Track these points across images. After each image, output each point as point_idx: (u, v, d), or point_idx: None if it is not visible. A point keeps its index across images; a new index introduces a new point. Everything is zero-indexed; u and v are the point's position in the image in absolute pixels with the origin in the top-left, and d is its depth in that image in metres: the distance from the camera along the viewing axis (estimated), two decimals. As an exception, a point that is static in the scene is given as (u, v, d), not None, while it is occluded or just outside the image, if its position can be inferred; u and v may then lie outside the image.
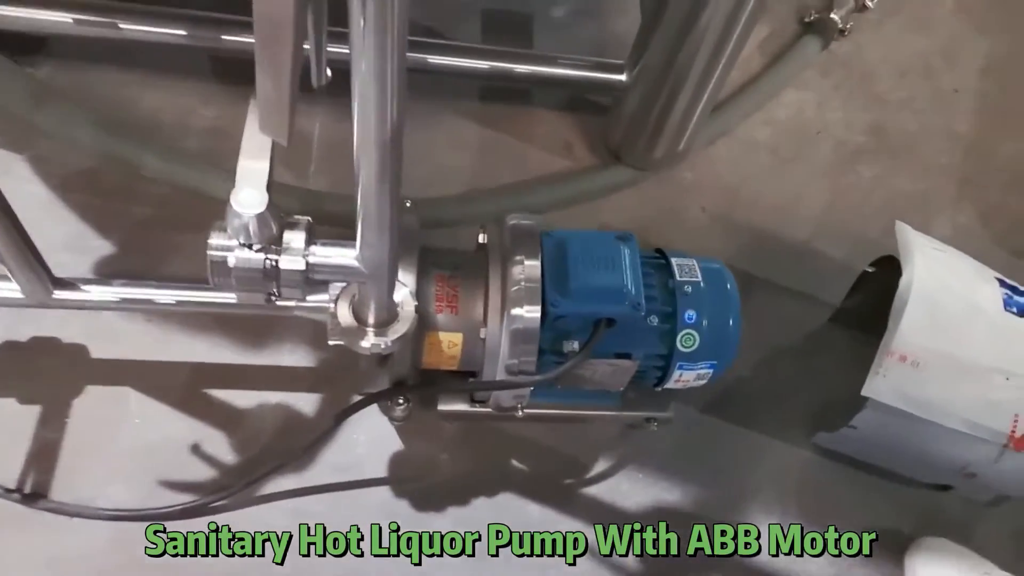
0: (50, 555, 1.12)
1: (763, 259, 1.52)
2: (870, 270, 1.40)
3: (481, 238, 1.13)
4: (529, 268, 1.06)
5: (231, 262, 0.82)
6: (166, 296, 1.10)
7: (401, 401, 1.09)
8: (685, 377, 1.15)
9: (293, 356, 1.29)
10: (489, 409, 1.21)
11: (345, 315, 0.96)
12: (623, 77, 1.42)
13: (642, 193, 1.54)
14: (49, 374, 1.22)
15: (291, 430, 1.23)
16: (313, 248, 0.85)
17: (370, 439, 1.25)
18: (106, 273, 1.29)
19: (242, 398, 1.25)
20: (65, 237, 1.31)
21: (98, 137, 1.18)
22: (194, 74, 1.48)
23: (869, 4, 1.83)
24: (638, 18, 1.46)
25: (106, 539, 1.14)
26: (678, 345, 1.11)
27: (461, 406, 1.21)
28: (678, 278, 1.13)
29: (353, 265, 0.86)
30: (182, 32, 1.34)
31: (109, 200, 1.36)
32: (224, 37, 1.36)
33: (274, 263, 0.83)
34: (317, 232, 0.87)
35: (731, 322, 1.13)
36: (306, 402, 1.25)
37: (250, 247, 0.81)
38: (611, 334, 1.08)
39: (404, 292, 0.99)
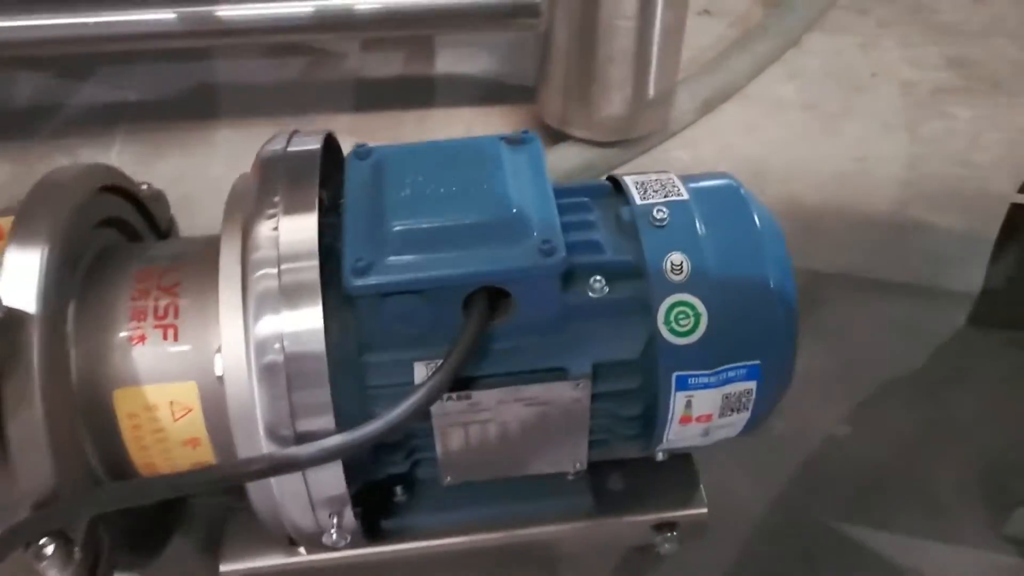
0: None
1: (834, 249, 0.92)
2: None
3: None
4: (293, 225, 0.49)
5: None
6: None
7: (49, 541, 0.47)
8: (700, 407, 0.53)
9: None
10: (336, 554, 0.59)
11: None
12: (536, -5, 0.90)
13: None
14: None
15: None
16: None
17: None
18: None
19: None
20: None
21: None
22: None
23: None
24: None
25: None
26: (661, 330, 0.51)
27: (274, 559, 0.60)
28: (639, 201, 0.54)
29: None
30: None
31: None
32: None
33: None
34: None
35: (770, 267, 0.53)
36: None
37: None
38: (510, 325, 0.49)
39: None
